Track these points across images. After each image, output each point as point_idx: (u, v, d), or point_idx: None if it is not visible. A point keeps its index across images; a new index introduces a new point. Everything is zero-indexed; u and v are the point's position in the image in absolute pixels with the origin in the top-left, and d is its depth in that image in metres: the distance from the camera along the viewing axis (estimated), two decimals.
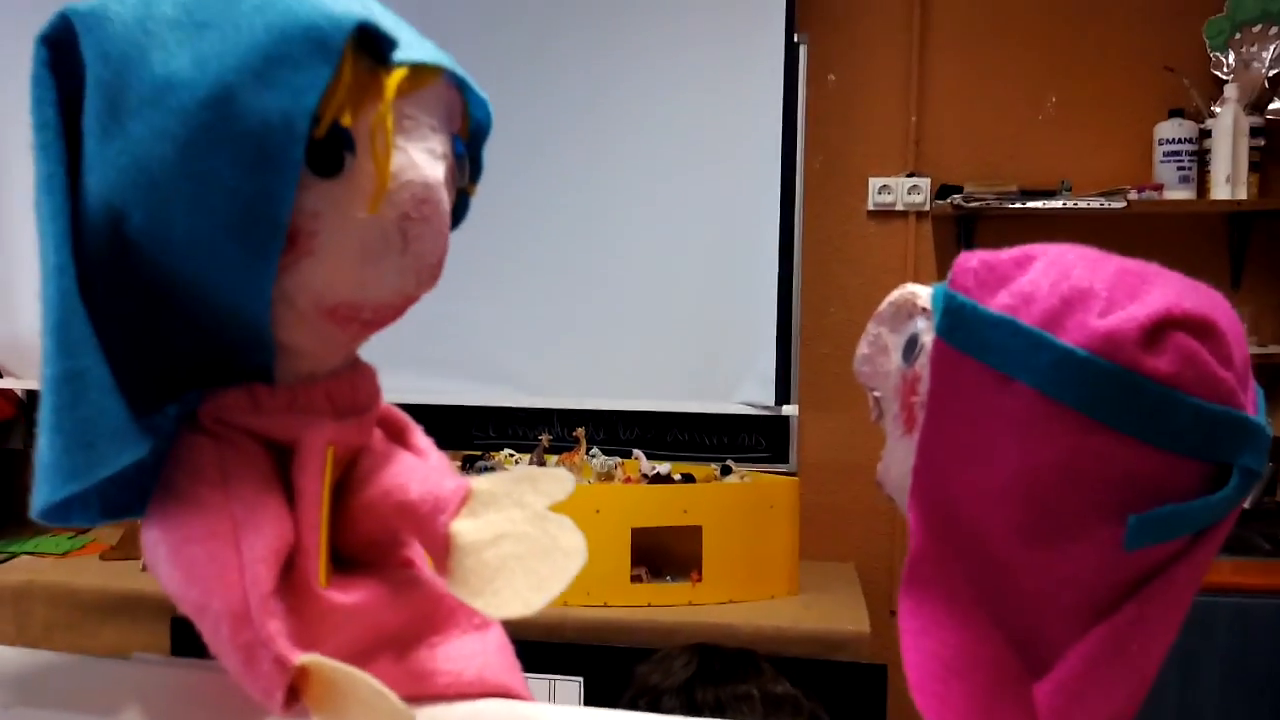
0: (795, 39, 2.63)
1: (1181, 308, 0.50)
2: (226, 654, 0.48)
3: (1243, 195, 2.51)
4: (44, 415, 0.48)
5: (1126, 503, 0.50)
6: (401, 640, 0.56)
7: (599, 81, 2.71)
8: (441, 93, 0.52)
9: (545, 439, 2.66)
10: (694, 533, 2.32)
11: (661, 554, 2.37)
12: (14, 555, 2.68)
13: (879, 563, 2.80)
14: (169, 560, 0.49)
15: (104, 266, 0.49)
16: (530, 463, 2.44)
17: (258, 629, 0.46)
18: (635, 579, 2.32)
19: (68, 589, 2.44)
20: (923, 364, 0.57)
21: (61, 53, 0.49)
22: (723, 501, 2.36)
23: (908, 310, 0.61)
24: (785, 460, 2.79)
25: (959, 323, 0.54)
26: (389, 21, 0.50)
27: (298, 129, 0.46)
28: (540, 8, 2.72)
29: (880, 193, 2.75)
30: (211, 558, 0.48)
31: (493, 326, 2.73)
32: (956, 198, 2.57)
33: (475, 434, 2.90)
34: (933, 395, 0.56)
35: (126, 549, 2.67)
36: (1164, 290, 0.51)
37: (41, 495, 0.49)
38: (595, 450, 2.59)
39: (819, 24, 2.71)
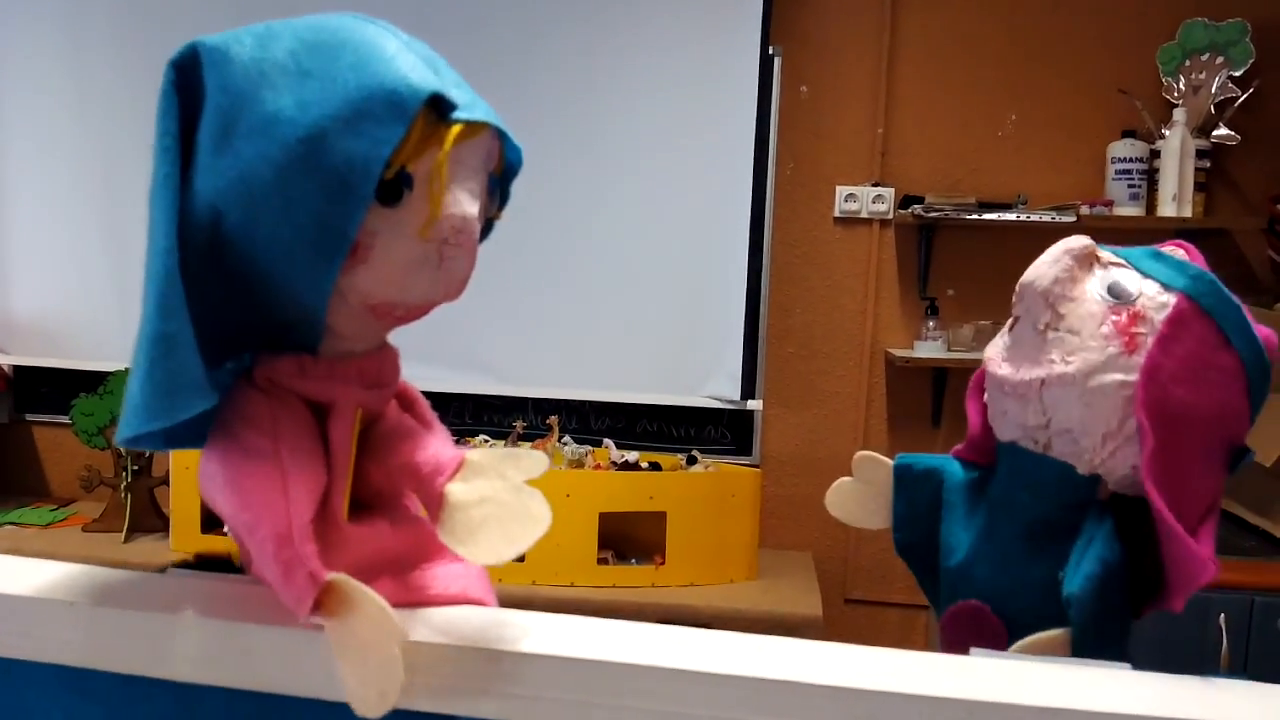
0: (770, 51, 2.75)
1: None
2: (269, 567, 0.59)
3: (1188, 213, 2.62)
4: (138, 365, 0.59)
5: (1237, 443, 0.76)
6: (401, 563, 0.68)
7: (581, 85, 2.80)
8: (485, 141, 0.64)
9: (519, 426, 2.76)
10: (659, 518, 2.42)
11: (627, 538, 2.47)
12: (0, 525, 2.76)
13: (834, 552, 2.91)
14: (226, 488, 0.61)
15: (199, 252, 0.61)
16: (506, 447, 2.53)
17: (297, 549, 0.58)
18: (601, 561, 2.42)
19: (50, 559, 2.50)
20: (1143, 304, 0.76)
21: (186, 76, 0.60)
22: (687, 490, 2.45)
23: (1089, 259, 0.78)
24: (749, 453, 2.89)
25: (1209, 291, 0.75)
26: (452, 82, 0.61)
27: (373, 171, 0.58)
28: (525, 13, 2.81)
29: (846, 201, 2.84)
30: (264, 489, 0.60)
31: (473, 319, 2.81)
32: (918, 208, 2.67)
33: (452, 419, 2.99)
34: (1167, 333, 0.75)
35: (108, 522, 2.74)
36: None
37: (129, 427, 0.60)
38: (567, 438, 2.68)
39: (793, 38, 2.81)
